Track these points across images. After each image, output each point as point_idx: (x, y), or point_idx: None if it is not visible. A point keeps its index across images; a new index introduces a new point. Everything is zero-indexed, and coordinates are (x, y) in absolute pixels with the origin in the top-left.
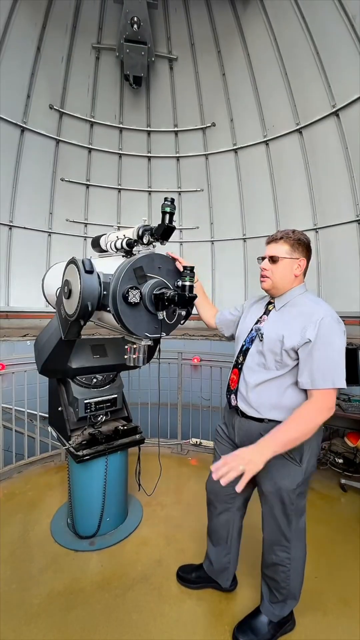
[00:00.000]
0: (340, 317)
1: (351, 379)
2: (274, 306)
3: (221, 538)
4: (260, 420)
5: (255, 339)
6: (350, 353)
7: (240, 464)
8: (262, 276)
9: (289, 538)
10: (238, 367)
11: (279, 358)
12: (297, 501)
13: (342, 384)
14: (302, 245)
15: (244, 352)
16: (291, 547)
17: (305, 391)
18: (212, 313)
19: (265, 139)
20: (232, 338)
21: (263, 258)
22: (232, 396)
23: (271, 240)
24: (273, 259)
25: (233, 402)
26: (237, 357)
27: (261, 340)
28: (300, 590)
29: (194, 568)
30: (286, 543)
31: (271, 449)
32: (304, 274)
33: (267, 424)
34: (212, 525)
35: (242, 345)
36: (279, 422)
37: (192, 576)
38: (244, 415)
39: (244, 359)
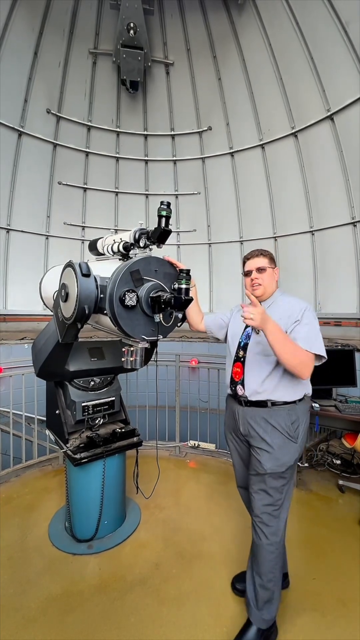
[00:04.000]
0: (337, 318)
1: (348, 380)
2: None
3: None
4: (264, 405)
5: (251, 334)
6: (347, 354)
7: (251, 315)
8: (254, 285)
9: (278, 516)
10: (240, 360)
11: None
12: (289, 478)
13: (321, 351)
14: (273, 259)
15: (243, 347)
16: (277, 530)
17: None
18: (200, 318)
19: (261, 143)
20: (221, 339)
21: (248, 272)
22: (239, 387)
23: (254, 256)
24: (261, 269)
25: (240, 392)
26: (237, 352)
27: (257, 333)
28: (280, 587)
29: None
30: (274, 522)
31: (271, 328)
32: None
33: (270, 408)
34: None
35: (240, 342)
36: (281, 403)
37: None
38: (247, 403)
39: (244, 353)
